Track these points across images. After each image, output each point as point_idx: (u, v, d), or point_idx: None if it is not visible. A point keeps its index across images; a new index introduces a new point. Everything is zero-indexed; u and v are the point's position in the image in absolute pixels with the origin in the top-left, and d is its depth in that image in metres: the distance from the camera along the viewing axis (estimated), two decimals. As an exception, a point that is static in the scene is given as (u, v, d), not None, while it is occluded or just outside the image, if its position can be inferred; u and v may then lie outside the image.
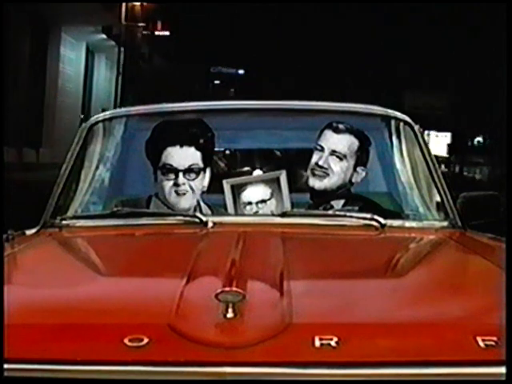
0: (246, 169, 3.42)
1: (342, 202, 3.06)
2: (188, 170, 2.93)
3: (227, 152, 3.69)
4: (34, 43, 20.14)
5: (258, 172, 3.30)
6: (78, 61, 23.93)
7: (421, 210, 3.05)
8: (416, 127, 3.15)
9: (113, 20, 23.57)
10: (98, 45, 24.62)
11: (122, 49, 25.78)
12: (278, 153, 3.66)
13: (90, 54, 25.07)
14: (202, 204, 2.98)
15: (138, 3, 27.05)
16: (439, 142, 35.67)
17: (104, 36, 23.49)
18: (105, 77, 27.32)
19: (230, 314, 1.63)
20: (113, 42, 24.27)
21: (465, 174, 32.55)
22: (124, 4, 25.60)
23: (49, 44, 21.53)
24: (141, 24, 27.51)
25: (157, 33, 28.38)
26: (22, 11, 17.90)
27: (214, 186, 3.05)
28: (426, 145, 3.11)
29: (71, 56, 23.13)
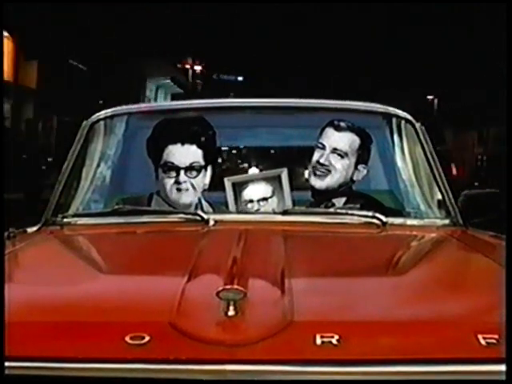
0: (246, 166, 3.42)
1: (343, 199, 3.06)
2: (189, 168, 2.93)
3: (228, 149, 3.68)
4: (136, 89, 32.29)
5: (256, 171, 3.29)
6: (151, 95, 37.74)
7: (422, 207, 3.05)
8: (417, 125, 3.15)
9: (177, 73, 38.76)
10: (161, 84, 39.05)
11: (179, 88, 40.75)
12: (279, 151, 3.66)
13: (156, 89, 39.50)
14: (203, 202, 2.98)
15: (199, 68, 44.85)
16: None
17: (168, 80, 37.71)
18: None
19: (231, 312, 1.63)
20: (171, 82, 38.71)
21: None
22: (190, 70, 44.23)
23: (141, 88, 35.12)
24: (198, 82, 44.58)
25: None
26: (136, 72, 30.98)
27: (216, 184, 3.05)
28: (428, 143, 3.10)
29: (147, 93, 36.72)
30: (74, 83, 23.01)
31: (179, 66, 42.34)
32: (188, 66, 44.12)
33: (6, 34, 18.94)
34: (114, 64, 25.63)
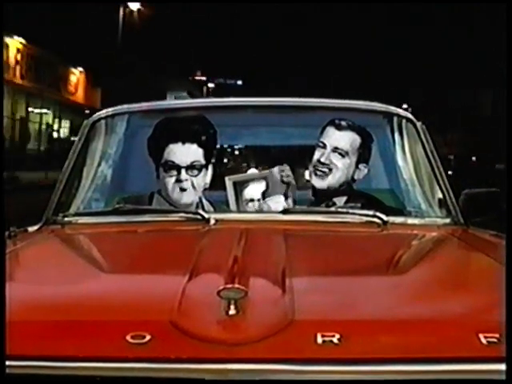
0: (247, 165, 3.41)
1: (344, 198, 3.05)
2: (190, 167, 2.93)
3: (229, 149, 3.68)
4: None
5: (256, 171, 3.29)
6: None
7: (423, 206, 3.04)
8: (418, 124, 3.15)
9: (191, 87, 47.07)
10: (179, 96, 47.62)
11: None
12: (280, 150, 3.66)
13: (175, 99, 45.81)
14: (204, 201, 2.98)
15: (211, 85, 55.70)
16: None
17: (185, 93, 44.04)
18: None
19: (232, 311, 1.63)
20: (187, 95, 45.16)
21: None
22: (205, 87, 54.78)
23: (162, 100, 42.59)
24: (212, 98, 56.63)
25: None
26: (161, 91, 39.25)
27: (216, 183, 3.04)
28: (429, 142, 3.10)
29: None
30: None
31: (190, 78, 49.38)
32: (198, 78, 51.24)
33: (81, 69, 33.55)
34: (145, 81, 35.54)
